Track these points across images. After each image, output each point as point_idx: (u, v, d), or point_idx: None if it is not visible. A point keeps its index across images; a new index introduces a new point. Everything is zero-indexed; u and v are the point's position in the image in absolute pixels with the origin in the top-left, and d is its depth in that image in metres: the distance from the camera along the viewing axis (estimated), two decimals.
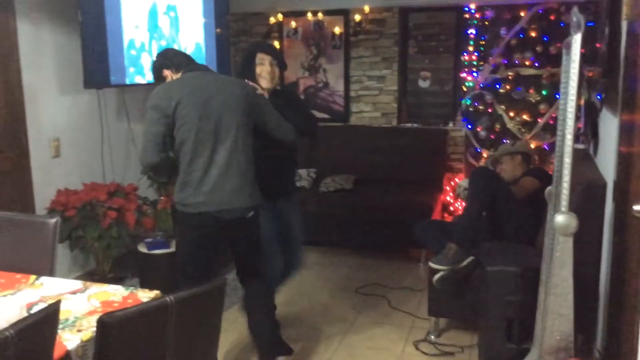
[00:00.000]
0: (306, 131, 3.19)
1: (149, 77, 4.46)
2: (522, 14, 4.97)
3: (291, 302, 4.11)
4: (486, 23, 5.14)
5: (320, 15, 5.67)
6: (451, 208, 5.34)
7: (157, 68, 2.87)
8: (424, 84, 5.62)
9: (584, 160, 3.39)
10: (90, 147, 4.44)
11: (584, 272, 2.75)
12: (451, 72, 5.49)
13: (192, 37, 4.79)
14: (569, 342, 2.22)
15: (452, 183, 5.37)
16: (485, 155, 5.15)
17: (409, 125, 5.61)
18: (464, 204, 3.93)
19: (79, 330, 1.88)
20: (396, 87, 5.61)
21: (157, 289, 2.25)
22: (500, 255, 3.05)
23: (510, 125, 5.06)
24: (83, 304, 2.10)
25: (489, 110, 5.12)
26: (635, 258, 2.32)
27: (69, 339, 1.82)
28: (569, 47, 2.14)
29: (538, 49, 4.94)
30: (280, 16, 5.78)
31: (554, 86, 4.86)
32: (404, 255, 4.86)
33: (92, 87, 4.15)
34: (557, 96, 4.39)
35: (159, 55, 2.92)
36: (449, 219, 5.13)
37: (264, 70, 3.02)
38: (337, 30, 5.65)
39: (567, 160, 2.12)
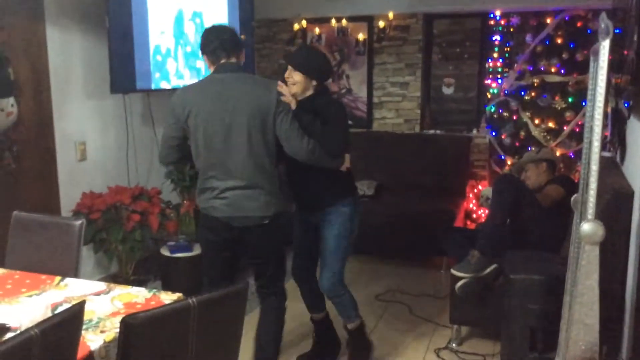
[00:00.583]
0: (330, 152, 2.84)
1: (174, 83, 4.51)
2: (548, 20, 4.92)
3: (299, 305, 4.11)
4: (511, 29, 5.11)
5: (344, 21, 5.68)
6: (474, 215, 5.29)
7: (200, 48, 2.84)
8: (447, 91, 5.59)
9: (610, 168, 3.34)
10: (116, 151, 4.50)
11: (610, 281, 2.70)
12: (475, 78, 5.46)
13: None
14: (594, 352, 2.18)
15: (476, 190, 5.32)
16: (509, 162, 5.10)
17: (432, 131, 5.59)
18: (487, 211, 3.90)
19: (102, 331, 1.90)
20: (419, 94, 5.59)
21: (179, 292, 2.26)
22: (524, 263, 3.02)
23: (535, 132, 5.01)
24: (106, 305, 2.12)
25: (514, 117, 5.08)
26: None
27: (92, 340, 1.84)
28: (596, 53, 2.11)
29: (564, 55, 4.89)
30: (304, 22, 5.80)
31: (580, 93, 4.81)
32: (426, 262, 4.83)
33: (119, 92, 4.21)
34: (584, 103, 4.34)
35: (203, 34, 2.82)
36: (471, 226, 5.09)
37: (286, 77, 2.97)
38: (361, 36, 5.66)
39: (594, 167, 2.09)
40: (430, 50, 5.59)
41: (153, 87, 4.38)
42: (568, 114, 4.92)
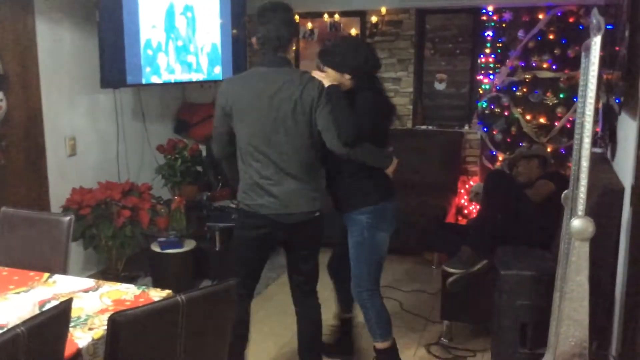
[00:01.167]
0: (341, 137, 2.64)
1: (165, 77, 4.48)
2: (540, 16, 4.92)
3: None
4: (503, 25, 5.10)
5: (336, 16, 5.66)
6: (465, 211, 5.30)
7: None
8: (440, 86, 5.59)
9: (601, 164, 3.35)
10: (106, 146, 4.47)
11: (600, 277, 2.71)
12: (467, 74, 5.45)
13: (209, 37, 4.80)
14: (584, 347, 2.19)
15: (467, 186, 5.33)
16: (500, 158, 5.11)
17: (424, 127, 5.58)
18: (478, 207, 3.90)
19: (90, 329, 1.89)
20: (412, 89, 5.59)
21: (169, 289, 2.24)
22: (515, 259, 3.02)
23: (526, 128, 5.01)
24: (95, 302, 2.11)
25: (506, 113, 5.07)
26: None
27: (80, 337, 1.82)
28: (588, 49, 2.11)
29: (556, 51, 4.89)
30: (296, 17, 5.75)
31: (572, 89, 4.81)
32: (417, 258, 4.83)
33: (109, 87, 4.18)
34: (575, 99, 4.35)
35: (256, 15, 2.68)
36: (463, 222, 5.09)
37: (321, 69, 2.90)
38: (354, 31, 5.64)
39: (585, 164, 2.09)
40: (422, 45, 5.58)
41: (144, 81, 4.36)
42: (559, 110, 4.92)
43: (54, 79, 3.99)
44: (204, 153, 5.22)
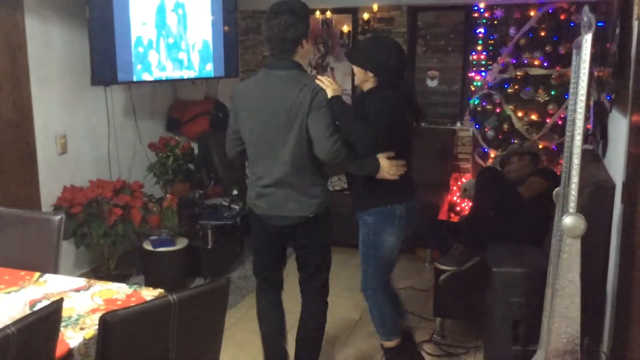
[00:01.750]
0: (356, 148, 2.68)
1: (156, 74, 4.46)
2: (531, 13, 4.93)
3: (295, 300, 4.10)
4: (495, 22, 5.10)
5: (328, 13, 5.65)
6: (458, 208, 5.31)
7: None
8: (432, 83, 5.59)
9: (592, 161, 3.36)
10: (97, 144, 4.44)
11: (592, 274, 2.72)
12: (459, 71, 5.46)
13: (200, 34, 4.78)
14: (575, 344, 2.20)
15: (459, 183, 5.34)
16: (492, 155, 5.12)
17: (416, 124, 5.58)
18: (470, 204, 3.91)
19: (81, 328, 1.88)
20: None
21: (161, 287, 2.24)
22: (507, 257, 3.03)
23: (518, 125, 5.02)
24: (86, 302, 2.09)
25: (497, 110, 5.08)
26: None
27: (71, 337, 1.81)
28: (579, 46, 2.12)
29: (547, 48, 4.90)
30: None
31: (563, 86, 4.82)
32: (410, 255, 4.84)
33: (100, 84, 4.16)
34: (566, 96, 4.35)
35: (265, 18, 2.66)
36: (455, 219, 5.10)
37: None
38: (346, 28, 5.63)
39: (576, 161, 2.09)
40: (414, 42, 5.58)
41: (135, 79, 4.33)
42: (551, 107, 4.93)
43: (44, 77, 3.97)
44: (195, 151, 5.20)
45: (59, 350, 1.69)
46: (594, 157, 3.51)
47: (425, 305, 3.92)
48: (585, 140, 3.68)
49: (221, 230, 4.44)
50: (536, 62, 4.95)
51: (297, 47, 2.63)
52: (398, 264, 4.69)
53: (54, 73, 4.05)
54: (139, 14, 4.25)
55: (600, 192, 2.79)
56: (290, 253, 2.95)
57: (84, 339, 1.81)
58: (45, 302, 2.06)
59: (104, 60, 4.02)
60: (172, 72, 4.61)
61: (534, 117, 4.98)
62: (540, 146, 4.80)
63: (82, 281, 2.30)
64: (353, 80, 5.68)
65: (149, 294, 2.17)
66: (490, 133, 5.14)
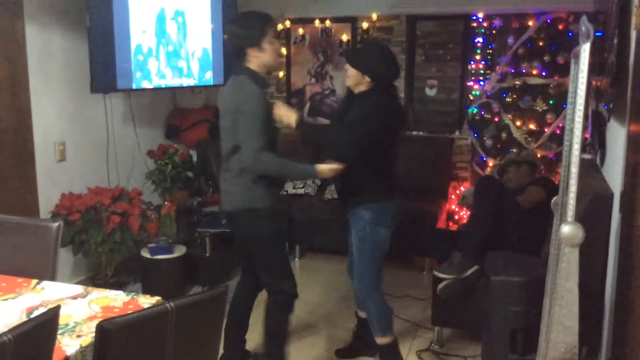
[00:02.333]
0: (338, 154, 2.89)
1: (155, 82, 4.47)
2: (530, 23, 4.95)
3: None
4: (494, 32, 5.12)
5: (327, 22, 5.67)
6: (456, 217, 5.31)
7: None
8: (430, 92, 5.60)
9: (590, 170, 3.36)
10: (96, 151, 4.44)
11: (590, 283, 2.72)
12: (458, 80, 5.47)
13: (200, 42, 4.79)
14: (574, 353, 2.19)
15: (458, 191, 5.34)
16: (491, 164, 5.13)
17: (414, 133, 5.59)
18: (469, 212, 3.91)
19: (78, 336, 1.87)
20: (403, 95, 5.59)
21: (159, 295, 2.23)
22: (505, 265, 3.02)
23: (516, 134, 5.03)
24: (83, 309, 2.09)
25: (496, 119, 5.10)
26: None
27: (68, 344, 1.81)
28: (577, 56, 2.12)
29: (546, 58, 4.92)
30: (288, 23, 5.78)
31: (561, 96, 4.84)
32: (408, 264, 4.83)
33: (99, 92, 4.16)
34: (564, 106, 4.36)
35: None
36: (454, 227, 5.10)
37: (345, 68, 3.08)
38: (345, 37, 5.65)
39: (574, 170, 2.09)
40: (413, 51, 5.59)
41: (134, 86, 4.34)
42: (549, 116, 4.95)
43: (44, 84, 3.97)
44: (194, 158, 5.21)
45: (56, 358, 1.68)
46: (592, 166, 3.51)
47: (424, 313, 3.92)
48: (584, 149, 3.69)
49: (219, 238, 4.44)
50: (534, 72, 4.97)
51: (244, 55, 2.84)
52: (396, 272, 4.72)
53: (53, 80, 4.06)
54: (138, 22, 4.27)
55: (598, 201, 2.79)
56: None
57: (81, 347, 1.81)
58: (42, 310, 2.05)
59: (104, 68, 4.03)
60: (171, 80, 4.61)
61: (532, 126, 5.00)
62: (538, 155, 4.81)
63: (79, 288, 2.30)
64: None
65: (146, 301, 2.16)
66: (488, 142, 5.15)
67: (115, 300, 2.17)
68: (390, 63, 3.02)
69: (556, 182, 3.82)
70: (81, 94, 4.19)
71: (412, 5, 5.34)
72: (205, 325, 1.82)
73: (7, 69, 3.72)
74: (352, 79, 3.00)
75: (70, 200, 3.91)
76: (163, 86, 4.59)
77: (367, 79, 2.96)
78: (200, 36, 4.80)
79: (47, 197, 3.98)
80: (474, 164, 5.30)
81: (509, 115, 5.05)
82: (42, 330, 1.53)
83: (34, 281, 2.34)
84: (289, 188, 5.27)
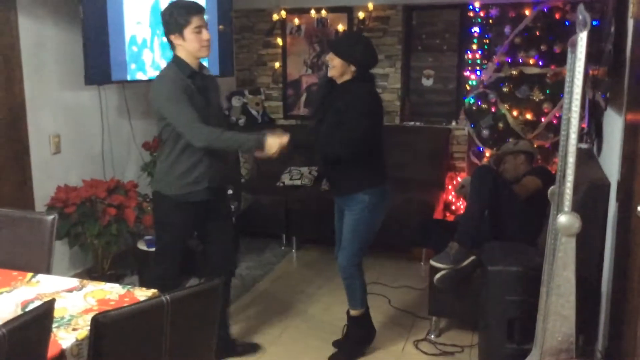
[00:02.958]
0: (322, 152, 3.15)
1: (150, 73, 4.44)
2: (526, 12, 4.93)
3: (291, 299, 4.10)
4: (490, 21, 5.10)
5: (323, 12, 5.64)
6: (453, 207, 5.31)
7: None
8: (427, 82, 5.59)
9: (587, 160, 3.36)
10: (91, 143, 4.42)
11: (587, 272, 2.72)
12: (455, 70, 5.46)
13: None
14: (571, 342, 2.19)
15: (455, 182, 5.34)
16: (487, 154, 5.12)
17: (411, 123, 5.58)
18: (466, 203, 3.91)
19: (74, 329, 1.86)
20: (399, 85, 5.58)
21: (155, 288, 2.22)
22: (502, 255, 3.02)
23: (513, 124, 5.02)
24: (79, 302, 2.08)
25: (492, 109, 5.08)
26: (638, 259, 2.29)
27: (64, 338, 1.80)
28: (574, 45, 2.11)
29: (542, 47, 4.90)
30: (283, 13, 5.76)
31: (558, 85, 4.82)
32: (405, 254, 4.84)
33: (93, 84, 4.13)
34: (561, 95, 4.35)
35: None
36: (450, 217, 5.10)
37: (328, 59, 3.12)
38: (341, 27, 5.62)
39: (571, 159, 2.09)
40: (409, 41, 5.58)
41: (129, 78, 4.31)
42: (546, 106, 4.94)
43: (38, 76, 3.94)
44: None
45: (51, 351, 1.67)
46: (589, 155, 3.51)
47: (421, 303, 3.92)
48: (580, 138, 3.68)
49: None
50: (531, 61, 4.95)
51: (171, 44, 2.96)
52: (394, 262, 4.73)
53: (47, 72, 4.03)
54: (133, 13, 4.23)
55: (595, 190, 2.79)
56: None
57: (77, 340, 1.80)
58: (37, 303, 2.04)
59: (98, 60, 4.00)
60: None
61: (529, 116, 4.99)
62: (535, 145, 4.80)
63: (74, 281, 2.29)
64: None
65: (142, 294, 2.16)
66: (485, 132, 5.14)
67: (111, 293, 2.16)
68: (373, 52, 3.12)
69: (553, 172, 3.82)
70: (75, 85, 4.16)
71: None
72: (201, 318, 1.81)
73: (1, 62, 3.69)
74: (336, 69, 3.05)
75: (66, 193, 3.89)
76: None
77: (352, 68, 3.03)
78: None
79: (43, 190, 3.96)
80: (471, 154, 5.30)
81: (506, 105, 5.03)
82: (36, 323, 1.52)
83: (29, 274, 2.32)
84: (286, 180, 5.26)
